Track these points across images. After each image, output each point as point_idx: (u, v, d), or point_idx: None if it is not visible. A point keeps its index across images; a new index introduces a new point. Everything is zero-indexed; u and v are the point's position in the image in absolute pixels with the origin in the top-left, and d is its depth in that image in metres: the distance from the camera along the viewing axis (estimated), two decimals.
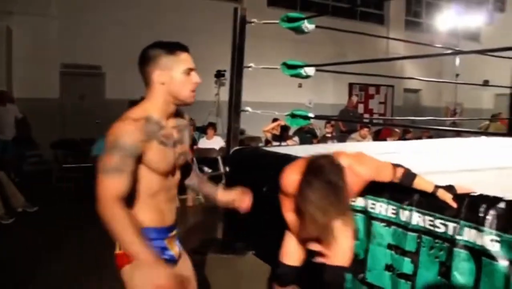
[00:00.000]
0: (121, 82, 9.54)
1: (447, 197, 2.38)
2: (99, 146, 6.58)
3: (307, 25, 4.24)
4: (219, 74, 10.28)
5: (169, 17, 10.45)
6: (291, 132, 7.50)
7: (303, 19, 4.21)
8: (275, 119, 7.13)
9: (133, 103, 6.87)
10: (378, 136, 10.21)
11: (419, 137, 8.44)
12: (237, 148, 4.47)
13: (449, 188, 2.42)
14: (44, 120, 8.83)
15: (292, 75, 4.25)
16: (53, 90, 9.49)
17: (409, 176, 2.45)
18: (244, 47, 4.53)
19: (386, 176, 2.44)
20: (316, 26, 4.33)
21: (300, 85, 11.72)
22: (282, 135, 6.77)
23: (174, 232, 2.06)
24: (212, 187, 2.32)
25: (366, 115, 13.97)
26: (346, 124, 9.26)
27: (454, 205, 2.34)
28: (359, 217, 2.88)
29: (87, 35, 9.58)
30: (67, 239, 4.95)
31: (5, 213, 5.70)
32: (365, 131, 7.63)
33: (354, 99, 11.15)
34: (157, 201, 1.90)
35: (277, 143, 6.73)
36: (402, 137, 9.15)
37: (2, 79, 8.72)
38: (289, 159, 3.77)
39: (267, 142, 7.12)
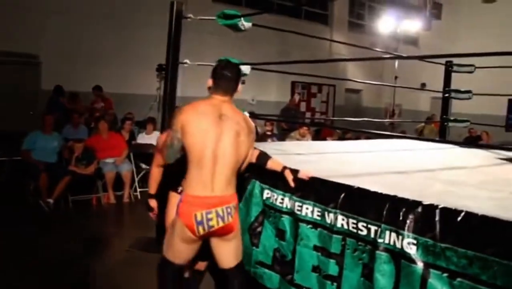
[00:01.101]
0: (57, 73, 9.15)
1: (290, 177, 2.80)
2: (32, 140, 6.29)
3: (244, 23, 4.19)
4: (161, 68, 10.04)
5: (112, 10, 10.14)
6: None
7: (239, 16, 4.16)
8: None
9: (74, 95, 6.63)
10: (319, 135, 10.35)
11: (358, 138, 8.62)
12: None
13: (294, 171, 2.82)
14: None
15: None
16: None
17: (264, 157, 2.94)
18: (180, 42, 4.43)
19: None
20: (253, 25, 4.29)
21: (243, 82, 11.61)
22: None
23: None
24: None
25: (308, 114, 14.14)
26: (290, 121, 9.31)
27: (292, 184, 2.79)
28: (286, 218, 2.88)
29: (28, 24, 9.11)
30: None
31: None
32: (304, 130, 7.70)
33: (297, 97, 11.27)
34: None
35: None
36: (342, 137, 9.32)
37: None
38: None
39: None
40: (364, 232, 2.40)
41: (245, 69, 4.12)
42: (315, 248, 2.68)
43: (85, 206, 6.34)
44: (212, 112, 2.60)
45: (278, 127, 9.44)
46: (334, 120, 13.12)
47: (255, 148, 2.90)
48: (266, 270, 3.01)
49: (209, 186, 2.55)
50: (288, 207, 2.87)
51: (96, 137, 6.93)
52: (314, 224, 2.69)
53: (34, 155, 6.23)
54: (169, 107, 4.44)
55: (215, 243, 2.70)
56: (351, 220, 2.48)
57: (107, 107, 9.09)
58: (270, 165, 2.93)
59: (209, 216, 2.54)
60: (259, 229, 3.12)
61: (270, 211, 3.03)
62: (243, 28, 4.30)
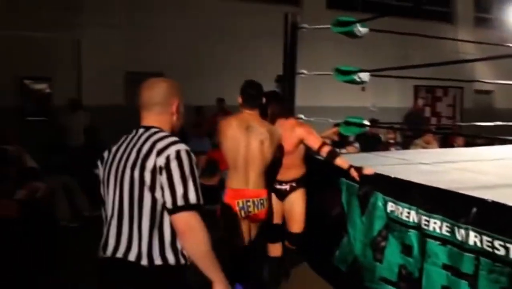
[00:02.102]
0: (182, 88, 9.71)
1: (355, 174, 3.29)
2: None
3: (360, 29, 4.07)
4: (280, 79, 10.18)
5: (229, 22, 10.54)
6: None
7: (354, 23, 4.04)
8: (336, 124, 6.92)
9: (199, 109, 7.01)
10: (446, 141, 9.70)
11: (491, 143, 7.93)
12: None
13: (359, 168, 3.29)
14: (111, 126, 9.12)
15: (345, 82, 4.09)
16: (119, 97, 9.80)
17: (333, 153, 3.53)
18: (296, 53, 4.44)
19: (313, 143, 3.59)
20: (370, 30, 4.14)
21: (363, 89, 11.39)
22: (341, 141, 6.55)
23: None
24: None
25: (433, 119, 13.37)
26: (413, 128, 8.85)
27: (357, 178, 3.28)
28: (412, 233, 2.71)
29: (149, 43, 9.85)
30: None
31: (72, 217, 5.94)
32: (429, 136, 7.26)
33: (420, 102, 10.69)
34: None
35: (337, 150, 6.53)
36: (472, 143, 8.63)
37: (73, 88, 9.13)
38: (340, 170, 3.64)
39: None
40: (502, 252, 2.16)
41: (364, 76, 3.99)
42: (445, 266, 2.48)
43: (210, 216, 6.55)
44: (241, 125, 3.25)
45: (401, 135, 9.03)
46: (463, 125, 12.25)
47: (327, 144, 3.66)
48: (390, 287, 2.86)
49: (245, 182, 3.27)
50: (415, 221, 2.69)
51: (219, 149, 7.18)
52: (443, 241, 2.49)
53: None
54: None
55: (251, 226, 3.42)
56: (485, 238, 2.25)
57: None
58: (338, 162, 3.47)
59: (248, 203, 3.25)
60: (382, 244, 2.98)
61: (394, 224, 2.88)
62: (359, 34, 4.18)
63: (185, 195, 1.67)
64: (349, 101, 10.98)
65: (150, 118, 1.89)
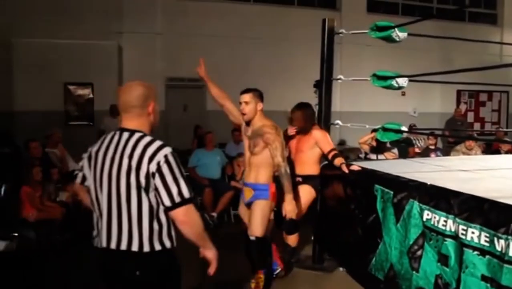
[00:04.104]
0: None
1: (344, 169, 3.90)
2: (196, 157, 6.75)
3: (398, 33, 4.01)
4: (318, 84, 10.13)
5: (267, 28, 10.58)
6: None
7: (393, 27, 3.98)
8: (374, 130, 6.81)
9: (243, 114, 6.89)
10: (490, 147, 9.40)
11: None
12: (325, 163, 4.36)
13: (348, 165, 3.94)
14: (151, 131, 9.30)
15: (383, 87, 4.04)
16: (159, 102, 9.98)
17: (336, 156, 4.09)
18: (333, 58, 4.41)
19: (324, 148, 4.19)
20: (409, 34, 4.07)
21: (403, 94, 11.19)
22: (379, 147, 6.45)
23: (246, 187, 3.77)
24: None
25: (477, 125, 12.97)
26: (452, 134, 8.64)
27: (346, 172, 3.89)
28: (449, 242, 2.64)
29: (189, 49, 9.98)
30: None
31: None
32: (471, 142, 7.05)
33: (463, 107, 10.44)
34: None
35: (375, 156, 6.43)
36: None
37: (114, 93, 9.35)
38: (376, 176, 3.60)
39: (366, 154, 6.83)
40: None
41: (402, 82, 3.92)
42: (483, 278, 2.40)
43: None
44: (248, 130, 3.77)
45: (442, 140, 8.81)
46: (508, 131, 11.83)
47: (334, 149, 4.18)
48: None
49: None
50: (452, 230, 2.62)
51: None
52: (482, 251, 2.41)
53: (199, 171, 6.65)
54: (325, 123, 4.44)
55: None
56: None
57: None
58: (336, 161, 4.04)
59: None
60: (419, 253, 2.92)
61: (431, 233, 2.81)
62: (397, 39, 4.12)
63: (180, 193, 1.94)
64: (389, 107, 10.82)
65: (131, 121, 2.07)
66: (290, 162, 4.16)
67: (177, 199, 1.94)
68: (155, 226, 1.98)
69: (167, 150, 1.97)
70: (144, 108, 2.08)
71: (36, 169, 5.24)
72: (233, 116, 3.89)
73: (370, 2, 11.83)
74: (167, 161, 1.94)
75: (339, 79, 4.43)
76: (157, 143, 1.98)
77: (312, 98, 10.11)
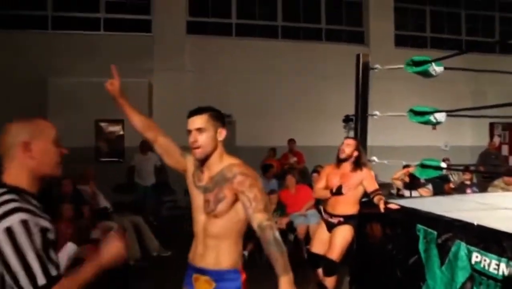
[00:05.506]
0: (250, 130, 9.83)
1: (381, 206, 3.74)
2: None
3: (435, 68, 3.93)
4: (348, 119, 10.06)
5: (296, 63, 10.63)
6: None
7: (430, 62, 3.91)
8: (406, 166, 6.67)
9: (272, 150, 7.11)
10: None
11: None
12: (364, 200, 4.25)
13: (386, 202, 3.75)
14: None
15: (420, 123, 3.94)
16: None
17: (378, 195, 3.94)
18: (369, 93, 4.35)
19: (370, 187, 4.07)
20: (445, 68, 3.99)
21: (434, 127, 11.01)
22: (413, 183, 6.28)
23: (198, 275, 2.31)
24: None
25: None
26: (489, 169, 8.41)
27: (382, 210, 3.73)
28: (502, 287, 2.48)
29: (217, 85, 10.10)
30: None
31: (141, 257, 6.02)
32: (510, 178, 6.80)
33: (497, 140, 10.18)
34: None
35: (408, 192, 6.26)
36: None
37: None
38: (417, 215, 3.47)
39: (398, 191, 6.66)
40: None
41: (440, 117, 3.82)
42: None
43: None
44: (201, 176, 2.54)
45: (476, 175, 8.57)
46: None
47: (378, 190, 4.04)
48: None
49: None
50: (505, 274, 2.47)
51: (285, 192, 7.09)
52: None
53: None
54: None
55: None
56: None
57: (300, 161, 9.35)
58: (375, 199, 3.93)
59: None
60: None
61: (481, 277, 2.65)
62: (434, 74, 4.03)
63: (33, 279, 1.44)
64: (420, 141, 10.65)
65: (6, 168, 1.63)
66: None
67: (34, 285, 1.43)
68: None
69: (13, 219, 1.44)
70: (15, 149, 1.61)
71: (67, 206, 5.25)
72: (169, 156, 2.56)
73: (398, 36, 11.83)
74: (10, 235, 1.42)
75: (375, 115, 4.35)
76: (5, 207, 1.47)
77: (339, 133, 10.12)
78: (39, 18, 10.14)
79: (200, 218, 2.32)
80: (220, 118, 2.35)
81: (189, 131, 2.29)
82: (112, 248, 1.72)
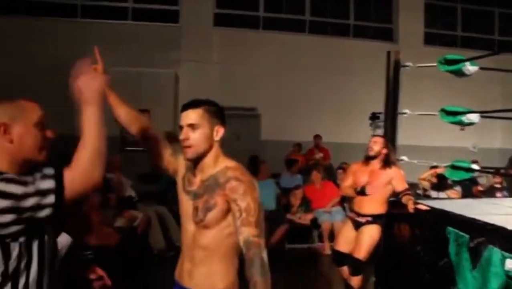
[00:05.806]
0: (275, 124, 9.79)
1: (411, 207, 3.75)
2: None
3: (469, 67, 3.83)
4: (374, 117, 9.92)
5: (323, 58, 10.54)
6: None
7: (464, 61, 3.82)
8: (434, 166, 6.55)
9: (297, 145, 7.07)
10: None
11: None
12: (392, 199, 4.19)
13: (415, 203, 3.78)
14: None
15: (452, 123, 3.86)
16: None
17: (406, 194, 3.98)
18: (399, 91, 4.27)
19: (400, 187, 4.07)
20: (481, 68, 3.89)
21: (462, 128, 10.79)
22: (441, 184, 6.18)
23: None
24: None
25: None
26: None
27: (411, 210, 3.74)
28: None
29: (243, 79, 10.07)
30: None
31: (165, 246, 6.04)
32: None
33: None
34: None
35: (436, 193, 6.16)
36: None
37: (170, 120, 9.50)
38: (448, 217, 3.40)
39: (425, 191, 6.56)
40: None
41: (474, 118, 3.73)
42: None
43: (300, 255, 6.40)
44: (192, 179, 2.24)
45: (506, 179, 8.38)
46: None
47: (408, 190, 4.07)
48: None
49: None
50: None
51: (310, 187, 7.06)
52: None
53: None
54: None
55: None
56: None
57: (326, 157, 9.29)
58: (404, 199, 3.96)
59: None
60: None
61: None
62: (467, 73, 3.94)
63: None
64: (447, 141, 10.45)
65: None
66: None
67: None
68: None
69: None
70: None
71: (95, 193, 5.29)
72: (156, 155, 2.23)
73: (427, 34, 11.60)
74: None
75: (405, 113, 4.27)
76: None
77: (365, 131, 9.99)
78: (69, 6, 10.22)
79: (189, 227, 1.99)
80: (218, 114, 2.02)
81: (181, 127, 1.98)
82: (87, 84, 1.69)
